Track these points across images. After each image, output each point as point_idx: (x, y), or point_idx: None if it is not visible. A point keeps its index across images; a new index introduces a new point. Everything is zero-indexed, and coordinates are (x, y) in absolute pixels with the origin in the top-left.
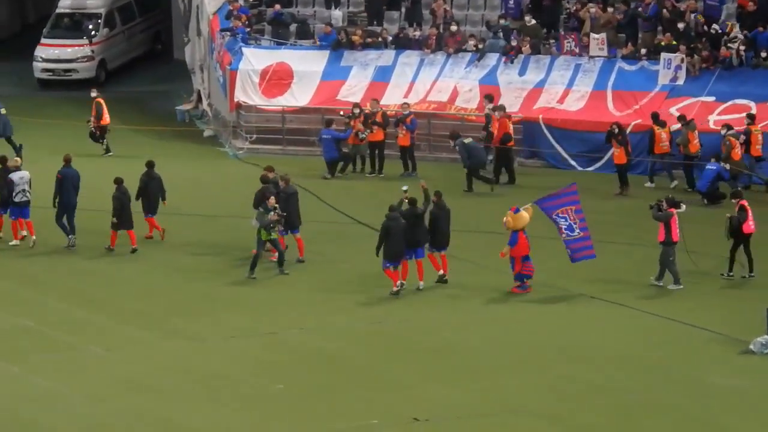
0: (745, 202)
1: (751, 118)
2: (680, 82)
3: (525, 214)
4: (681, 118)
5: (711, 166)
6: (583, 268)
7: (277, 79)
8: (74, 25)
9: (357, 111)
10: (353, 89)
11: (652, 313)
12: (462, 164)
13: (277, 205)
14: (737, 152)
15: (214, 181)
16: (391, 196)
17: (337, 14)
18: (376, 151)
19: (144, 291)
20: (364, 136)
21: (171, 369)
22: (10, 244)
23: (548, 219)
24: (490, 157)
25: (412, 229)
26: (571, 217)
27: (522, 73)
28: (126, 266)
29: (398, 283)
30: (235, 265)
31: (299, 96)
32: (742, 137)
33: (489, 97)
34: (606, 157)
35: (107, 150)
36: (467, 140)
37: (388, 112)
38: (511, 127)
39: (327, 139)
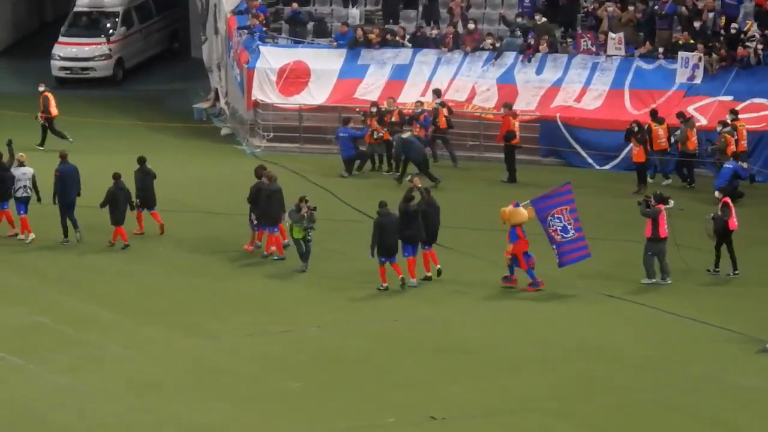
0: (728, 199)
1: (735, 113)
2: (698, 81)
3: (523, 211)
4: (680, 115)
5: (728, 165)
6: (593, 266)
7: (294, 78)
8: (92, 24)
9: (374, 110)
10: (370, 88)
11: (666, 311)
12: (393, 157)
13: (308, 199)
14: (732, 149)
15: (231, 178)
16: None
17: (354, 13)
18: (393, 150)
19: (158, 288)
20: (380, 135)
21: (186, 367)
22: (26, 242)
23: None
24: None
25: (408, 226)
26: (566, 218)
27: (539, 71)
28: (140, 263)
29: (384, 284)
30: (251, 263)
31: (316, 94)
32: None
33: (436, 92)
34: (622, 155)
35: (63, 137)
36: (405, 135)
37: (404, 111)
38: (516, 124)
39: (344, 138)
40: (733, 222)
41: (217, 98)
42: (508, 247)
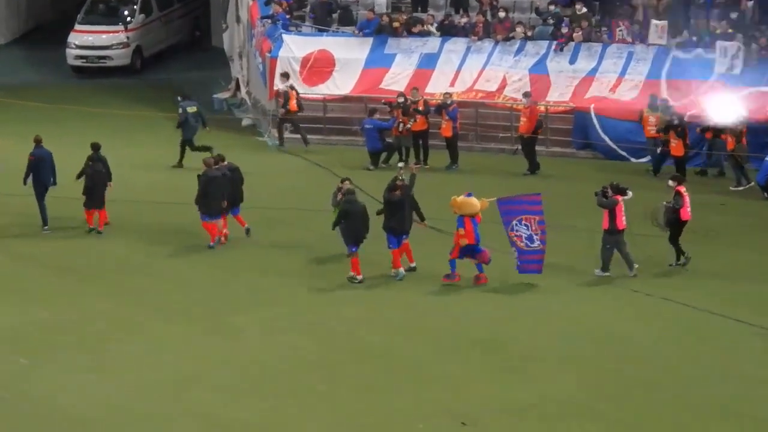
0: (682, 188)
1: None
2: (737, 71)
3: (474, 201)
4: (662, 101)
5: None
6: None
7: (318, 67)
8: (109, 11)
9: (401, 100)
10: (397, 77)
11: (697, 307)
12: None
13: (349, 179)
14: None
15: (253, 171)
16: (438, 187)
17: (381, 0)
18: (420, 141)
19: (179, 284)
20: (408, 126)
21: (213, 363)
22: None
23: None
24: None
25: (392, 216)
26: (533, 228)
27: (573, 61)
28: (164, 259)
29: (359, 276)
30: (275, 257)
31: (341, 84)
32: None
33: (285, 75)
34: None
35: None
36: (191, 109)
37: (431, 101)
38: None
39: (369, 129)
40: (686, 212)
41: (238, 88)
42: (460, 230)
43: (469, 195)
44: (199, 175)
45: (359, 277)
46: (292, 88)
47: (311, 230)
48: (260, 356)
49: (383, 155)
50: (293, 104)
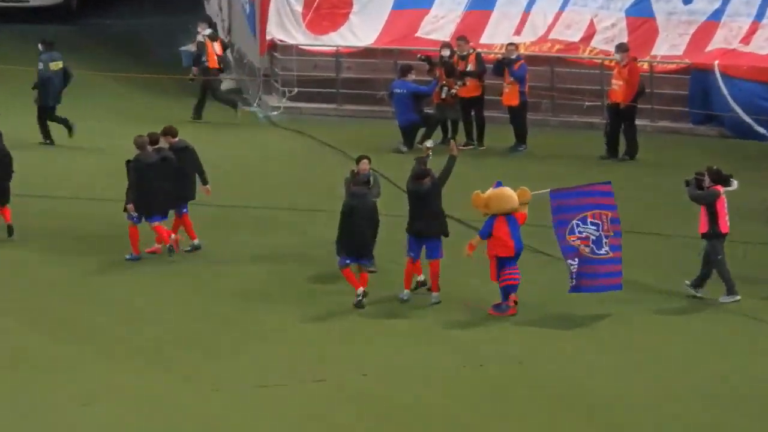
0: None
1: None
2: None
3: (509, 193)
4: None
5: None
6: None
7: (329, 7)
8: None
9: (446, 54)
10: (440, 22)
11: None
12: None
13: (367, 157)
14: None
15: (234, 153)
16: (493, 178)
17: None
18: (472, 113)
19: (131, 313)
20: (453, 91)
21: (175, 429)
22: None
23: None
24: None
25: (417, 214)
26: (605, 227)
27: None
28: (99, 277)
29: (359, 290)
30: (260, 275)
31: (361, 32)
32: None
33: (207, 20)
34: None
35: None
36: (55, 65)
37: (487, 57)
38: None
39: (401, 95)
40: None
41: None
42: (472, 240)
43: (499, 184)
44: (128, 161)
45: (359, 291)
46: (212, 38)
47: (312, 236)
48: (243, 419)
49: (420, 131)
50: (213, 60)
